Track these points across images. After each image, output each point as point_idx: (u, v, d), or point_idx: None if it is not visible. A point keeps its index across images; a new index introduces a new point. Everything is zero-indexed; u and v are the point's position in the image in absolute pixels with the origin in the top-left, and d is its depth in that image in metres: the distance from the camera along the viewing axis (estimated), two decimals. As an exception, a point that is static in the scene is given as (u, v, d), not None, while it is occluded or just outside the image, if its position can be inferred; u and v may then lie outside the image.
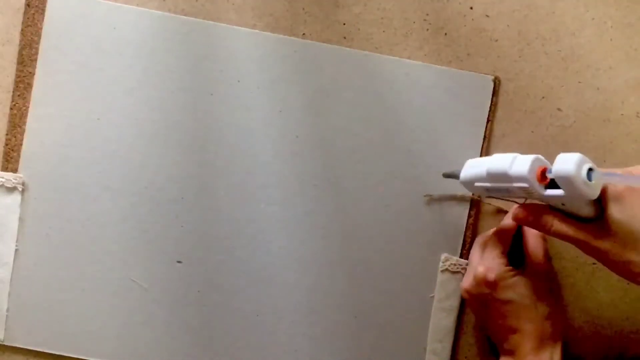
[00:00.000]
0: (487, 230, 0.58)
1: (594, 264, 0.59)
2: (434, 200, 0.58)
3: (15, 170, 0.57)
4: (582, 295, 0.59)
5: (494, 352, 0.58)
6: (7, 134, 0.57)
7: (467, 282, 0.55)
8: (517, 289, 0.53)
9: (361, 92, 0.58)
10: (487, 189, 0.50)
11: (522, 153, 0.58)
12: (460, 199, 0.58)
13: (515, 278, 0.53)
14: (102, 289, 0.58)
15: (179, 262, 0.58)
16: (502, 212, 0.58)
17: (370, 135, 0.58)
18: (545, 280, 0.54)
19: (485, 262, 0.54)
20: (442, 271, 0.58)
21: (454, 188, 0.57)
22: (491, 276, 0.53)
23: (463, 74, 0.58)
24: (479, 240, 0.57)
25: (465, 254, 0.58)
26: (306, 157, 0.58)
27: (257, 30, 0.58)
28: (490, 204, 0.59)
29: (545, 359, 0.52)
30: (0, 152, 0.57)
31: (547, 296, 0.54)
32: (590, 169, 0.42)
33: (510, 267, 0.54)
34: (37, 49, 0.57)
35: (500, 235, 0.55)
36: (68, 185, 0.57)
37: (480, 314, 0.57)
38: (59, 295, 0.58)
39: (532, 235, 0.56)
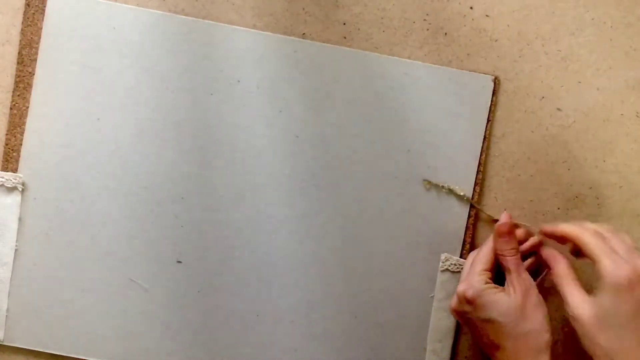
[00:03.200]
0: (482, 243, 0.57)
1: (593, 263, 0.59)
2: (433, 197, 0.58)
3: (15, 170, 0.57)
4: (582, 295, 0.59)
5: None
6: (7, 134, 0.57)
7: (453, 300, 0.55)
8: (498, 307, 0.51)
9: (361, 92, 0.58)
10: None
11: (522, 153, 0.58)
12: (461, 197, 0.58)
13: (496, 295, 0.52)
14: (102, 289, 0.58)
15: (178, 262, 0.58)
16: (496, 221, 0.58)
17: (370, 135, 0.58)
18: (533, 292, 0.53)
19: (468, 278, 0.53)
20: (442, 271, 0.58)
21: (453, 180, 0.57)
22: (469, 293, 0.52)
23: (463, 74, 0.58)
24: (470, 256, 0.57)
25: (465, 254, 0.58)
26: (306, 157, 0.58)
27: (257, 30, 0.58)
28: (483, 211, 0.59)
29: None
30: (0, 152, 0.57)
31: (533, 310, 0.52)
32: None
33: (492, 285, 0.53)
34: (37, 48, 0.57)
35: (486, 251, 0.55)
36: (68, 185, 0.57)
37: (469, 331, 0.57)
38: (58, 295, 0.58)
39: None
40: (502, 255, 0.54)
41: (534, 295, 0.53)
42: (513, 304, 0.51)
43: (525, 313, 0.51)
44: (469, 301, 0.52)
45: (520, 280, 0.53)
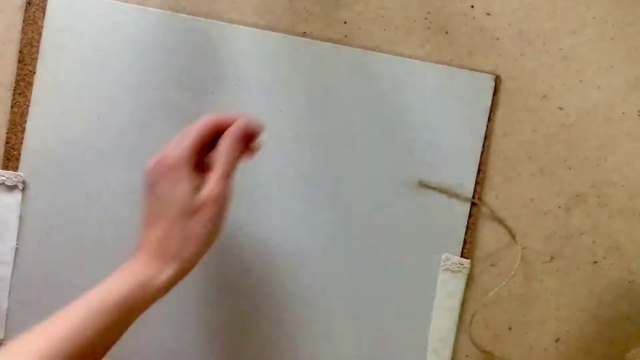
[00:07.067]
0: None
1: (595, 262, 0.59)
2: (429, 191, 0.58)
3: (15, 169, 0.57)
4: (582, 295, 0.59)
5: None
6: (7, 132, 0.57)
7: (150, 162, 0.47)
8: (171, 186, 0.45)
9: (362, 91, 0.58)
10: None
11: (523, 152, 0.58)
12: (463, 199, 0.58)
13: (183, 171, 0.46)
14: (103, 288, 0.58)
15: (179, 260, 0.58)
16: (497, 217, 0.58)
17: (370, 134, 0.58)
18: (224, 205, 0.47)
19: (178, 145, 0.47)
20: (443, 271, 0.58)
21: (454, 179, 0.57)
22: (174, 155, 0.46)
23: (464, 73, 0.58)
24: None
25: (465, 253, 0.58)
26: (307, 155, 0.58)
27: (258, 29, 0.58)
28: (486, 207, 0.59)
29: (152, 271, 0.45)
30: (0, 150, 0.57)
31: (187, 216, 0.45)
32: None
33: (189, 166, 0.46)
34: (37, 47, 0.57)
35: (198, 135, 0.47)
36: (68, 183, 0.57)
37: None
38: (59, 294, 0.58)
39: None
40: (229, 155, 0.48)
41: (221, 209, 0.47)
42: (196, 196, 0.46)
43: (197, 213, 0.46)
44: (166, 166, 0.46)
45: (224, 185, 0.47)
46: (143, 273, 0.45)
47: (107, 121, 0.57)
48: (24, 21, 0.57)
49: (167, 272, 0.45)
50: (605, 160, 0.59)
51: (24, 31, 0.57)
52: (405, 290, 0.58)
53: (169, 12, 0.57)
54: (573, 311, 0.59)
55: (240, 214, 0.58)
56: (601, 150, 0.59)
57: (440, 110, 0.58)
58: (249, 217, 0.58)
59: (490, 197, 0.59)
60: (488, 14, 0.58)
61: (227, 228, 0.58)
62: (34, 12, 0.57)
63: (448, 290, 0.58)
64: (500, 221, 0.59)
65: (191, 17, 0.57)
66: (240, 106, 0.57)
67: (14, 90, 0.57)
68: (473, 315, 0.59)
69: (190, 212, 0.46)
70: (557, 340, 0.60)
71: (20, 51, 0.57)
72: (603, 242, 0.59)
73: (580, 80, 0.58)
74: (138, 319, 0.56)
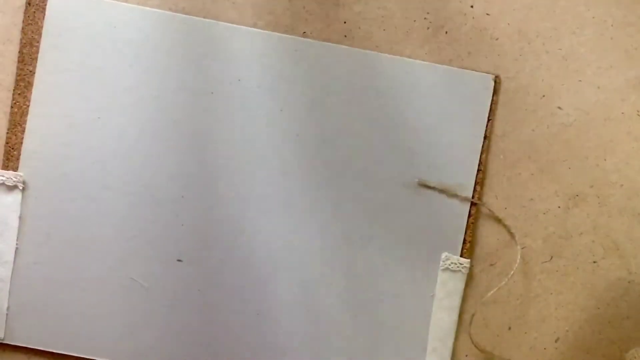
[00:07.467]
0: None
1: (594, 262, 0.59)
2: (429, 191, 0.58)
3: (15, 169, 0.57)
4: (582, 294, 0.59)
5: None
6: (7, 133, 0.57)
7: None
8: None
9: (362, 91, 0.58)
10: None
11: (523, 152, 0.58)
12: (463, 199, 0.58)
13: None
14: (102, 288, 0.58)
15: (179, 260, 0.58)
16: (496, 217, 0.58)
17: (370, 134, 0.58)
18: None
19: None
20: (442, 270, 0.58)
21: (454, 179, 0.57)
22: None
23: (464, 73, 0.58)
24: None
25: (465, 253, 0.58)
26: (307, 155, 0.58)
27: (257, 29, 0.58)
28: (486, 207, 0.59)
29: None
30: (0, 150, 0.57)
31: None
32: None
33: None
34: (37, 47, 0.57)
35: None
36: (68, 183, 0.57)
37: None
38: (59, 293, 0.58)
39: None
40: None
41: None
42: None
43: None
44: None
45: None
46: None
47: (106, 121, 0.57)
48: (24, 21, 0.57)
49: None
50: (605, 160, 0.59)
51: (23, 31, 0.57)
52: (404, 290, 0.58)
53: (169, 12, 0.57)
54: (572, 311, 0.59)
55: (241, 213, 0.58)
56: (600, 150, 0.59)
57: (440, 110, 0.58)
58: (250, 217, 0.58)
59: (489, 196, 0.59)
60: (487, 14, 0.58)
61: (228, 228, 0.58)
62: (34, 12, 0.57)
63: (447, 289, 0.58)
64: (500, 221, 0.59)
65: (190, 17, 0.57)
66: (240, 106, 0.57)
67: (14, 90, 0.57)
68: (473, 315, 0.59)
69: None
70: (556, 340, 0.60)
71: (20, 51, 0.57)
72: (602, 242, 0.59)
73: (580, 80, 0.59)
74: (137, 321, 0.56)
